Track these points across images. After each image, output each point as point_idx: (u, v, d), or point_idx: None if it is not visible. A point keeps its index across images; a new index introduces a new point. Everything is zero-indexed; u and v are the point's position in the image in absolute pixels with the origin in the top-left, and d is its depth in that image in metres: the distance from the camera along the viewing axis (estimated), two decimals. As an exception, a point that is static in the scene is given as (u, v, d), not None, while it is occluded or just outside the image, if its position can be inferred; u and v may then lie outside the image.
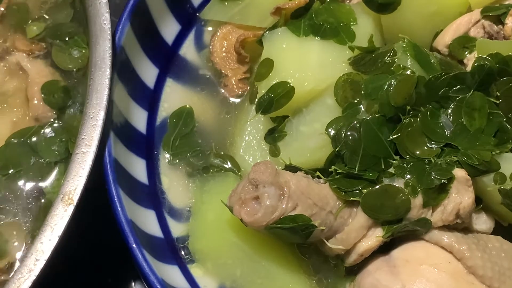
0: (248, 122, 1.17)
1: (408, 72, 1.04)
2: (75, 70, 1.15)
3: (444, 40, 1.13)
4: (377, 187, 0.99)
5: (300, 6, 1.16)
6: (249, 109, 1.19)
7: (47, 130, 1.12)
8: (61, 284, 1.02)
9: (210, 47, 1.26)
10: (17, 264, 1.02)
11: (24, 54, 1.17)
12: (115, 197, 1.02)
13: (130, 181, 1.11)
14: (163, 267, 1.04)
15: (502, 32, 1.10)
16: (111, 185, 1.03)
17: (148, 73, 1.22)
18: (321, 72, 1.10)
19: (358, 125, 1.02)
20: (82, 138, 1.00)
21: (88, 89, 1.04)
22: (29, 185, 1.09)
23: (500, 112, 1.01)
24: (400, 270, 0.99)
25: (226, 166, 1.16)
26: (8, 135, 1.11)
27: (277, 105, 1.10)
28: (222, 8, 1.28)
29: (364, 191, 0.98)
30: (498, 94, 1.02)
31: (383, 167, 1.01)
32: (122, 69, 1.13)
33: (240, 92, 1.23)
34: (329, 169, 1.03)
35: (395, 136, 1.01)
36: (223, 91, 1.24)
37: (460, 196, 0.99)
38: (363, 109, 1.04)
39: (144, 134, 1.19)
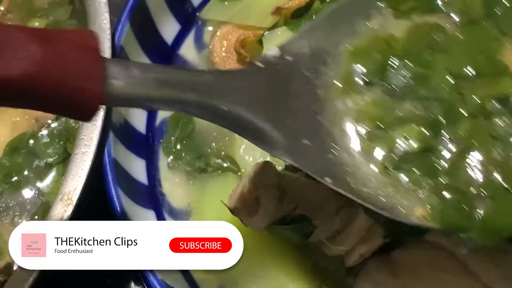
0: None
1: None
2: None
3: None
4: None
5: (300, 6, 1.16)
6: (249, 109, 1.19)
7: (45, 132, 1.12)
8: (61, 284, 1.02)
9: (210, 47, 1.26)
10: (16, 264, 1.02)
11: None
12: (115, 197, 1.02)
13: (129, 181, 1.10)
14: (163, 267, 1.04)
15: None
16: (110, 185, 1.03)
17: (148, 73, 1.22)
18: (321, 72, 1.09)
19: (358, 125, 1.02)
20: (82, 138, 1.00)
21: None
22: (29, 186, 1.09)
23: None
24: (401, 271, 0.99)
25: (226, 166, 1.16)
26: (8, 135, 1.11)
27: (277, 105, 1.09)
28: (222, 8, 1.28)
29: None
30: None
31: (383, 167, 1.01)
32: (122, 69, 1.12)
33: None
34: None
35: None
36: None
37: (461, 196, 0.99)
38: (363, 109, 1.04)
39: (144, 134, 1.19)
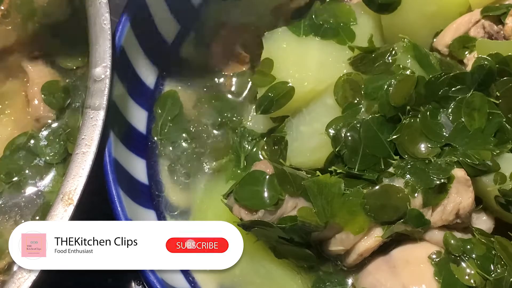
0: (248, 123, 1.17)
1: (408, 72, 1.04)
2: (75, 68, 1.15)
3: (444, 40, 1.13)
4: (377, 187, 0.99)
5: (300, 6, 1.16)
6: (249, 109, 1.19)
7: (46, 132, 1.12)
8: (61, 284, 1.02)
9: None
10: (16, 264, 1.02)
11: (24, 55, 1.17)
12: (115, 197, 1.02)
13: (130, 181, 1.11)
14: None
15: (502, 32, 1.10)
16: (111, 185, 1.03)
17: (148, 73, 1.22)
18: (321, 72, 1.10)
19: (358, 125, 1.02)
20: (82, 138, 1.00)
21: (88, 88, 1.04)
22: (29, 186, 1.09)
23: (499, 112, 1.01)
24: (400, 270, 0.99)
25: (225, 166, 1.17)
26: (9, 136, 1.11)
27: (277, 105, 1.10)
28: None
29: (364, 191, 0.98)
30: (498, 94, 1.02)
31: (382, 167, 1.01)
32: (122, 69, 1.13)
33: (240, 92, 1.23)
34: (329, 169, 1.03)
35: (395, 136, 1.01)
36: (223, 90, 1.24)
37: (460, 196, 0.99)
38: (363, 109, 1.04)
39: (144, 134, 1.19)
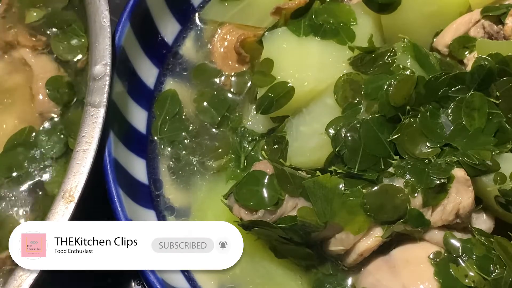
0: (248, 123, 1.17)
1: (408, 72, 1.04)
2: (74, 60, 1.15)
3: (444, 40, 1.13)
4: (377, 187, 0.99)
5: (300, 6, 1.16)
6: (249, 109, 1.19)
7: (47, 126, 1.12)
8: (61, 283, 1.02)
9: (210, 47, 1.26)
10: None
11: (28, 50, 1.17)
12: (115, 197, 1.03)
13: (130, 181, 1.11)
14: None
15: (502, 32, 1.10)
16: (111, 185, 1.03)
17: (148, 73, 1.22)
18: (321, 72, 1.10)
19: (358, 125, 1.02)
20: (83, 136, 1.00)
21: (88, 86, 1.04)
22: (29, 181, 1.09)
23: (499, 112, 1.01)
24: (400, 270, 0.99)
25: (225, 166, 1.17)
26: (13, 131, 1.11)
27: (277, 105, 1.10)
28: (222, 8, 1.28)
29: (364, 191, 0.98)
30: (498, 94, 1.02)
31: (382, 167, 1.01)
32: (122, 69, 1.13)
33: (240, 92, 1.23)
34: (329, 169, 1.03)
35: (395, 136, 1.01)
36: (223, 90, 1.24)
37: (460, 196, 0.99)
38: (363, 109, 1.04)
39: (144, 134, 1.19)
